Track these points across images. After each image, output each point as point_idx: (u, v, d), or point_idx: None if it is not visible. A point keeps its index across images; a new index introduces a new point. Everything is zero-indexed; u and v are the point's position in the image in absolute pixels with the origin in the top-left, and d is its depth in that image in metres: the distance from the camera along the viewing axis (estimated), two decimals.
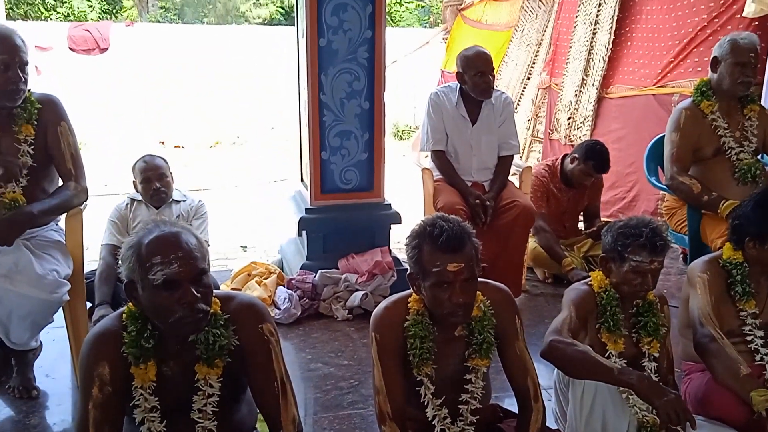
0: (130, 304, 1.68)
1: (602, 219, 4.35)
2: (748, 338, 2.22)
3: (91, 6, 18.26)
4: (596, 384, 1.94)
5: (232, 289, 3.56)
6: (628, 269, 2.02)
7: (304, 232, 3.72)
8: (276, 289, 3.57)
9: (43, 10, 17.21)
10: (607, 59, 5.55)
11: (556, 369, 2.07)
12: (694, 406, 2.23)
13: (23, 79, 2.52)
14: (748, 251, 2.25)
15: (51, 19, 16.28)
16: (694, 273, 2.29)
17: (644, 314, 2.11)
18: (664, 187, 3.33)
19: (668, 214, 3.47)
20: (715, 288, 2.23)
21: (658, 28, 5.18)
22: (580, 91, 5.82)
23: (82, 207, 2.75)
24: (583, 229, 4.30)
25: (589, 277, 2.19)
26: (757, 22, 4.38)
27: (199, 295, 1.59)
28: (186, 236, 1.62)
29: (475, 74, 3.50)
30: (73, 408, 2.65)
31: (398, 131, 11.18)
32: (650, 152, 3.66)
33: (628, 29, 5.49)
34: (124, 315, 1.69)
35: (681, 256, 4.44)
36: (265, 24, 19.86)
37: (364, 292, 3.51)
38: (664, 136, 3.30)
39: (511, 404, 2.11)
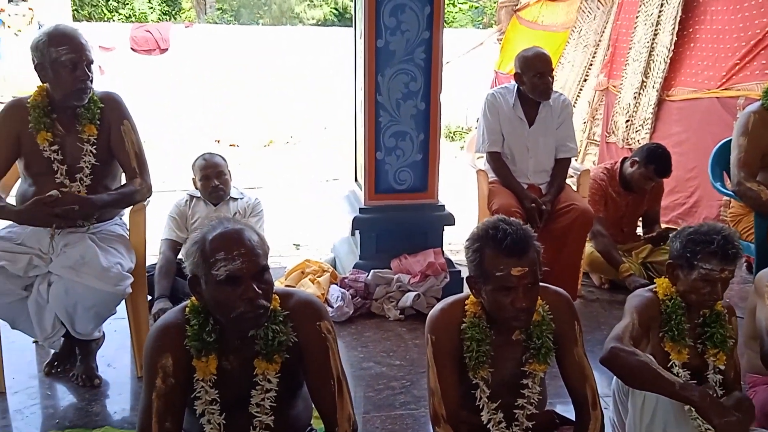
0: (193, 298, 1.71)
1: (661, 224, 4.23)
2: None
3: (152, 7, 18.77)
4: (657, 395, 1.89)
5: (286, 286, 3.61)
6: (697, 277, 1.95)
7: (357, 232, 3.74)
8: (329, 287, 3.60)
9: (105, 11, 17.77)
10: (668, 61, 5.39)
11: (615, 377, 2.03)
12: (760, 419, 2.15)
13: (90, 78, 2.60)
14: None
15: (113, 20, 16.80)
16: (761, 283, 2.21)
17: (711, 325, 2.04)
18: (730, 193, 3.22)
19: (733, 221, 3.36)
20: None
21: (723, 29, 5.01)
22: (640, 94, 5.68)
23: (145, 203, 2.82)
24: (641, 234, 4.20)
25: (648, 283, 2.13)
26: None
27: (260, 291, 1.62)
28: (249, 233, 1.65)
29: (534, 75, 3.45)
30: (132, 397, 2.73)
31: (450, 132, 11.14)
32: (716, 157, 3.54)
33: (691, 30, 5.33)
34: (187, 309, 1.73)
35: (745, 264, 4.29)
36: (319, 25, 20.07)
37: (416, 292, 3.50)
38: (730, 140, 3.20)
39: (565, 411, 2.07)
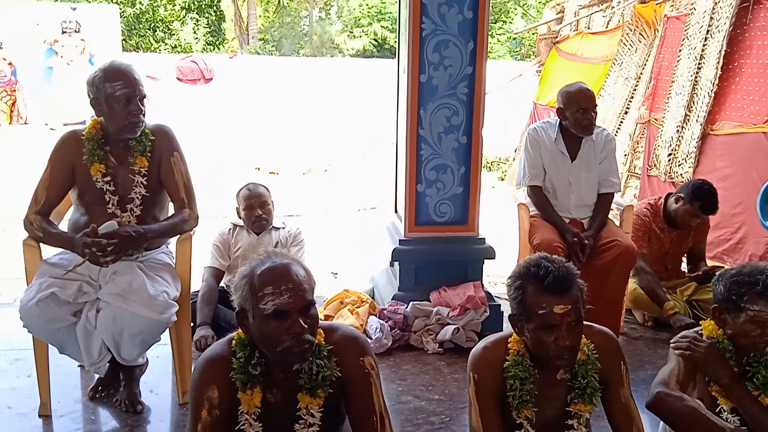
0: (240, 331, 1.74)
1: (707, 261, 4.14)
2: None
3: (197, 38, 19.36)
4: None
5: (325, 315, 3.63)
6: (745, 320, 1.91)
7: (396, 263, 3.75)
8: (368, 318, 3.60)
9: (152, 41, 18.38)
10: (713, 95, 5.33)
11: (662, 422, 1.98)
12: None
13: (143, 112, 2.69)
14: None
15: (160, 51, 17.34)
16: None
17: (754, 365, 1.99)
18: None
19: None
20: None
21: None
22: (683, 127, 5.61)
23: (192, 233, 2.88)
24: (686, 271, 4.11)
25: (693, 323, 2.09)
26: None
27: (306, 326, 1.64)
28: (296, 268, 1.68)
29: (577, 110, 3.45)
30: (172, 424, 2.76)
31: (488, 163, 11.12)
32: (765, 194, 3.47)
33: (736, 64, 5.26)
34: (233, 341, 1.76)
35: None
36: (358, 56, 20.38)
37: (455, 326, 3.48)
38: None
39: None
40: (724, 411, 1.94)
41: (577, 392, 1.83)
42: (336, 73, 12.16)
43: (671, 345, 2.04)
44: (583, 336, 1.82)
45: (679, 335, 2.11)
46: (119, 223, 2.65)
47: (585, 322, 1.81)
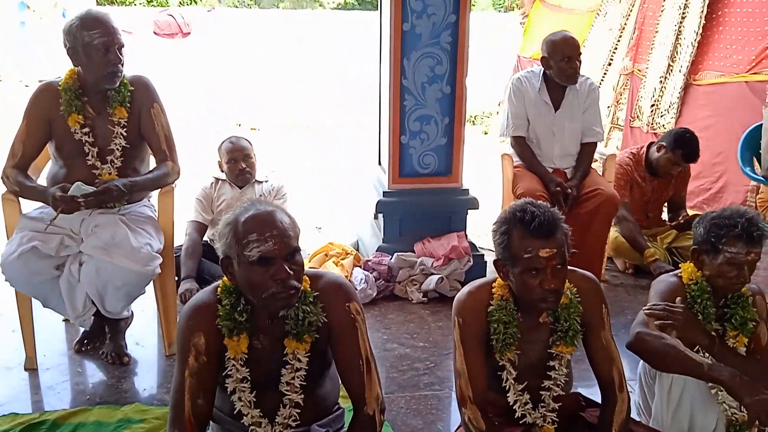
0: (225, 278, 1.74)
1: (687, 210, 4.19)
2: None
3: None
4: (685, 378, 1.89)
5: (310, 268, 3.63)
6: (723, 261, 1.95)
7: (380, 215, 3.76)
8: (352, 270, 3.62)
9: None
10: (696, 45, 5.31)
11: (641, 361, 2.03)
12: None
13: (121, 62, 2.63)
14: None
15: (135, 4, 16.89)
16: None
17: (731, 306, 2.04)
18: (761, 178, 3.18)
19: (762, 206, 3.33)
20: None
21: (753, 12, 4.92)
22: (666, 78, 5.61)
23: (173, 185, 2.85)
24: (667, 219, 4.16)
25: (673, 269, 2.12)
26: None
27: (291, 272, 1.64)
28: (280, 215, 1.67)
29: (562, 59, 3.42)
30: (159, 375, 2.79)
31: (471, 117, 11.07)
32: (745, 141, 3.50)
33: (720, 13, 5.24)
34: (219, 289, 1.76)
35: None
36: (339, 9, 20.00)
37: (439, 276, 3.52)
38: (761, 125, 3.15)
39: (590, 394, 2.08)
40: (701, 351, 1.99)
41: (559, 335, 1.86)
42: (317, 26, 11.93)
43: (644, 311, 2.04)
44: (567, 280, 1.84)
45: (656, 279, 2.15)
46: (98, 175, 2.62)
47: (569, 267, 1.83)
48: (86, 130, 2.65)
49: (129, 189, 2.63)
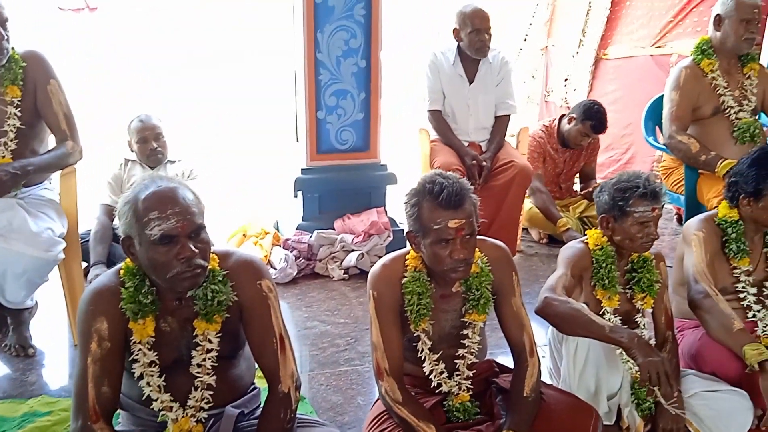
0: (128, 259, 1.67)
1: (598, 180, 4.35)
2: (741, 295, 2.25)
3: None
4: (589, 341, 1.95)
5: None
6: (632, 222, 2.02)
7: (299, 193, 3.71)
8: (272, 249, 3.57)
9: None
10: (606, 20, 5.47)
11: (550, 326, 2.09)
12: (687, 361, 2.26)
13: (5, 37, 2.46)
14: (743, 209, 2.25)
15: None
16: (689, 231, 2.30)
17: (638, 270, 2.12)
18: (662, 146, 3.32)
19: (665, 174, 3.47)
20: (709, 246, 2.25)
21: None
22: (577, 53, 5.76)
23: (75, 166, 2.71)
24: (578, 190, 4.31)
25: (585, 237, 2.19)
26: None
27: (196, 250, 1.58)
28: (183, 191, 1.61)
29: (471, 31, 3.45)
30: (70, 365, 2.68)
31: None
32: (649, 112, 3.63)
33: None
34: (121, 271, 1.68)
35: (675, 216, 4.46)
36: None
37: (360, 252, 3.51)
38: (663, 95, 3.28)
39: (505, 361, 2.13)
40: (608, 312, 2.07)
41: (471, 303, 1.89)
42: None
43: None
44: (477, 249, 1.86)
45: (564, 246, 2.21)
46: None
47: (479, 236, 1.85)
48: None
49: (23, 172, 2.47)
